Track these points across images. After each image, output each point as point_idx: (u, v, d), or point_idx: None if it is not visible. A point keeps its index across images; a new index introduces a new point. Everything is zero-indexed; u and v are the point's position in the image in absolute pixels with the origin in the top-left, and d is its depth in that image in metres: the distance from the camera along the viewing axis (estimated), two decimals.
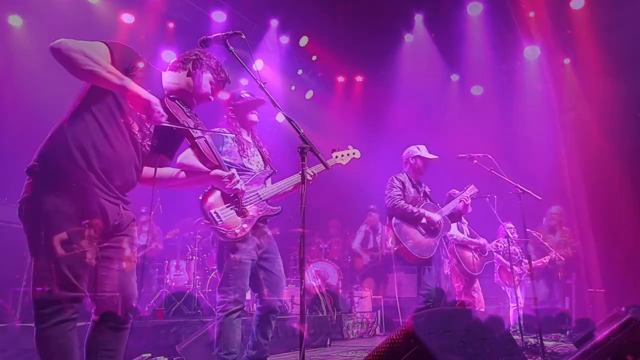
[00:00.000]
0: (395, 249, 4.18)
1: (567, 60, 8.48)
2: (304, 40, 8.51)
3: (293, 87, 9.29)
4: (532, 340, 4.77)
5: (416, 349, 1.38)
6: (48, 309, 1.88)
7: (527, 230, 4.30)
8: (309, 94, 9.37)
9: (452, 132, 8.49)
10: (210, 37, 2.43)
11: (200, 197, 2.97)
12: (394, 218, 4.22)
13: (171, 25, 7.25)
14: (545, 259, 6.43)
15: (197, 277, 6.12)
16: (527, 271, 6.30)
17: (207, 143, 2.37)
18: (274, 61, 8.60)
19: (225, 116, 3.33)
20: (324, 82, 9.63)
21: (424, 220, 4.27)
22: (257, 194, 3.08)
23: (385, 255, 8.61)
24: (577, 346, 4.11)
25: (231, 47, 2.39)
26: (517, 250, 6.33)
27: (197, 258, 6.26)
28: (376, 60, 9.02)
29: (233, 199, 2.95)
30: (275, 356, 5.31)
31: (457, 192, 6.05)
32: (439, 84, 9.21)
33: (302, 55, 8.88)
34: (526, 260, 6.28)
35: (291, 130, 2.32)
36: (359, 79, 9.80)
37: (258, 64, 8.08)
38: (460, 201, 4.47)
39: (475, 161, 4.31)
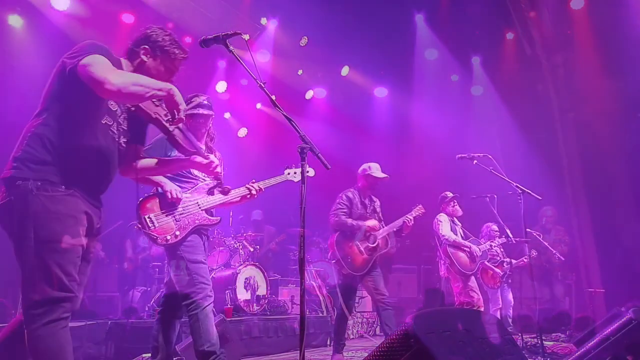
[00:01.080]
0: (334, 262, 4.49)
1: (567, 60, 8.48)
2: (304, 41, 8.50)
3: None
4: (532, 340, 4.77)
5: (416, 349, 1.38)
6: (39, 309, 1.87)
7: (528, 230, 4.30)
8: (309, 94, 9.37)
9: (453, 132, 8.49)
10: (210, 37, 2.43)
11: (138, 202, 3.00)
12: (337, 234, 4.47)
13: (170, 25, 7.24)
14: (525, 259, 6.32)
15: None
16: (509, 272, 6.30)
17: (182, 131, 2.35)
18: (274, 61, 8.59)
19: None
20: (323, 82, 9.62)
21: (360, 232, 4.47)
22: (197, 203, 3.13)
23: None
24: (577, 346, 4.11)
25: (231, 47, 2.39)
26: (499, 252, 6.35)
27: None
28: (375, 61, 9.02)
29: (170, 205, 3.02)
30: (275, 356, 5.31)
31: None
32: (439, 84, 9.21)
33: (303, 54, 8.87)
34: (507, 261, 6.29)
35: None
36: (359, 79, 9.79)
37: (265, 56, 8.10)
38: (403, 222, 4.59)
39: (475, 161, 4.31)
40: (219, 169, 2.61)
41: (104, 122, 2.11)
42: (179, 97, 2.11)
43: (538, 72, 8.47)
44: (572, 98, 8.23)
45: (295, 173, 3.43)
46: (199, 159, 2.50)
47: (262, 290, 6.18)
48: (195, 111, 3.20)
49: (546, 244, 6.65)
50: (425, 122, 8.98)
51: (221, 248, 6.53)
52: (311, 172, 3.46)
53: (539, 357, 4.07)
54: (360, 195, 4.62)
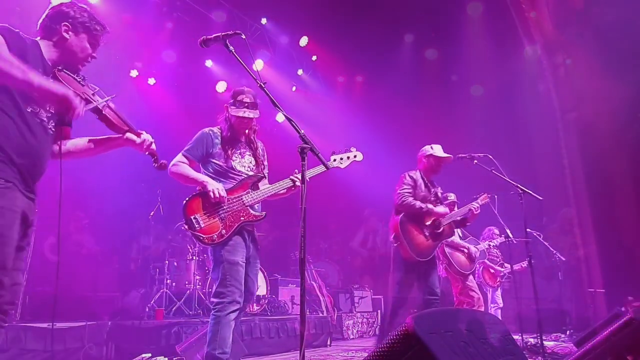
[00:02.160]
0: (395, 245, 4.12)
1: (568, 60, 8.47)
2: (304, 41, 8.51)
3: (294, 88, 9.29)
4: (532, 340, 4.78)
5: (416, 349, 1.38)
6: None
7: (527, 230, 4.29)
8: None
9: (452, 132, 8.49)
10: (210, 37, 2.43)
11: (184, 202, 2.99)
12: (401, 215, 4.14)
13: (170, 25, 7.24)
14: (523, 264, 6.33)
15: (197, 277, 6.12)
16: (508, 273, 6.32)
17: (112, 110, 2.29)
18: (273, 61, 8.60)
19: (225, 111, 3.24)
20: (324, 82, 9.63)
21: (428, 220, 4.20)
22: (242, 199, 3.07)
23: (382, 255, 8.62)
24: (577, 346, 4.11)
25: (231, 47, 2.39)
26: (498, 253, 6.36)
27: (197, 258, 6.25)
28: (376, 60, 9.02)
29: (214, 205, 2.98)
30: (275, 356, 5.31)
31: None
32: (438, 84, 9.21)
33: (302, 55, 8.88)
34: (506, 265, 6.30)
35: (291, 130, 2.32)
36: (359, 79, 9.80)
37: (258, 64, 8.06)
38: (469, 210, 4.47)
39: (475, 161, 4.30)
40: (153, 146, 2.47)
41: (29, 110, 2.04)
42: (53, 91, 1.99)
43: (538, 72, 8.47)
44: (572, 98, 8.23)
45: (342, 159, 3.32)
46: (132, 136, 2.38)
47: (262, 290, 6.18)
48: (241, 113, 3.16)
49: (546, 244, 6.65)
50: (425, 121, 8.99)
51: None
52: (359, 157, 3.42)
53: (539, 357, 4.07)
54: (422, 177, 4.36)
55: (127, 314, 5.64)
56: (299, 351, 1.96)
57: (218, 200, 2.96)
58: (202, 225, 2.94)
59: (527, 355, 3.49)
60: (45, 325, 4.07)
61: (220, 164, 3.15)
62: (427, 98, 9.06)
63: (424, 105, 9.14)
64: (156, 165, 2.48)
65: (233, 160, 3.17)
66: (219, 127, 3.24)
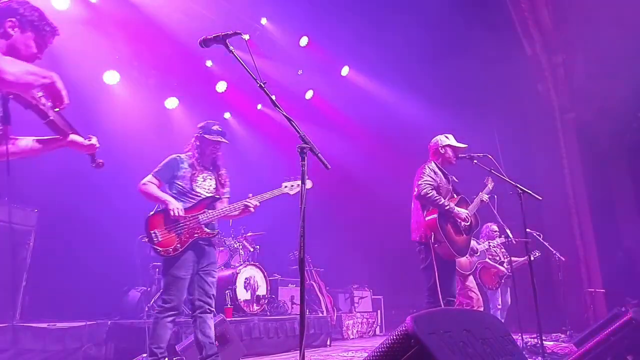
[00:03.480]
0: (436, 245, 3.88)
1: (567, 60, 8.48)
2: (304, 40, 8.51)
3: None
4: (532, 340, 4.78)
5: (416, 349, 1.38)
6: None
7: (528, 230, 4.29)
8: (309, 94, 9.37)
9: (452, 132, 8.47)
10: (210, 37, 2.43)
11: (146, 217, 3.38)
12: (437, 214, 3.92)
13: (169, 25, 7.23)
14: (526, 258, 6.35)
15: None
16: (509, 273, 6.30)
17: (58, 114, 2.28)
18: (273, 61, 8.59)
19: (193, 138, 3.68)
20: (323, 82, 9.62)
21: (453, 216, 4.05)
22: (198, 218, 3.47)
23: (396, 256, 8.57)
24: (577, 346, 4.11)
25: (231, 47, 2.39)
26: (499, 252, 6.35)
27: None
28: (377, 59, 9.01)
29: (173, 221, 3.39)
30: (274, 356, 5.31)
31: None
32: (438, 84, 9.20)
33: (302, 55, 8.87)
34: (507, 261, 6.28)
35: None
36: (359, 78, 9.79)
37: (258, 64, 8.04)
38: (481, 200, 4.44)
39: (475, 161, 4.29)
40: (97, 145, 2.55)
41: None
42: (60, 84, 2.08)
43: (538, 72, 8.47)
44: (572, 98, 8.24)
45: (292, 186, 3.61)
46: (78, 138, 2.42)
47: (262, 290, 6.18)
48: (218, 138, 3.61)
49: (546, 244, 6.65)
50: (424, 122, 8.99)
51: (221, 248, 6.52)
52: (308, 184, 3.53)
53: (539, 357, 4.07)
54: (440, 169, 4.18)
55: (126, 314, 5.64)
56: (298, 351, 1.96)
57: (176, 218, 3.36)
58: (160, 239, 3.34)
59: (527, 355, 3.50)
60: (44, 325, 4.07)
61: (184, 185, 3.54)
62: (427, 98, 9.06)
63: (424, 105, 9.14)
64: (94, 164, 2.59)
65: (195, 183, 3.57)
66: (187, 153, 3.65)
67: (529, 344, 4.70)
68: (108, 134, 4.11)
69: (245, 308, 5.84)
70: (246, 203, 3.52)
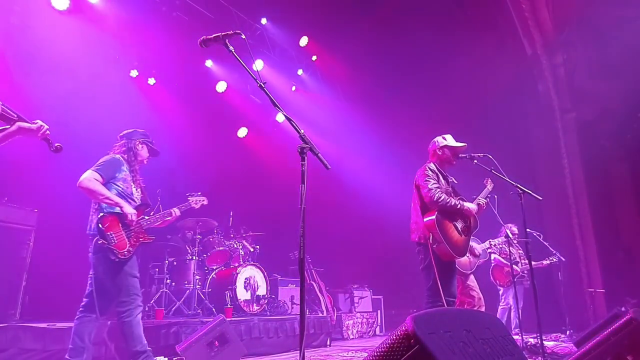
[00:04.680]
0: (434, 246, 3.83)
1: (567, 60, 8.47)
2: (304, 40, 8.51)
3: (293, 87, 9.29)
4: (532, 340, 4.77)
5: (416, 349, 1.38)
6: None
7: (528, 230, 4.29)
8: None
9: (452, 132, 8.48)
10: (210, 37, 2.43)
11: (99, 217, 3.42)
12: (435, 213, 3.88)
13: (169, 25, 7.22)
14: (544, 261, 6.50)
15: (197, 276, 6.12)
16: (521, 272, 6.33)
17: (3, 104, 2.35)
18: (273, 61, 8.60)
19: (124, 141, 3.77)
20: (324, 82, 9.62)
21: (460, 214, 4.03)
22: (141, 224, 3.63)
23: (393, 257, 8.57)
24: (577, 346, 4.11)
25: (231, 47, 2.39)
26: (515, 251, 6.36)
27: (196, 258, 6.26)
28: (376, 59, 9.01)
29: (125, 225, 3.49)
30: (274, 356, 5.31)
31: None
32: (438, 84, 9.20)
33: (302, 55, 8.88)
34: (524, 262, 6.29)
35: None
36: (358, 78, 9.80)
37: (258, 64, 8.07)
38: (478, 205, 4.43)
39: (475, 161, 4.28)
40: (47, 132, 2.60)
41: None
42: None
43: (538, 72, 8.46)
44: (572, 98, 8.23)
45: (195, 201, 4.15)
46: (24, 124, 2.48)
47: (262, 290, 6.18)
48: (154, 147, 3.85)
49: (546, 244, 6.65)
50: (424, 121, 8.99)
51: (221, 248, 6.51)
52: (205, 201, 4.23)
53: (539, 357, 4.07)
54: (439, 170, 4.14)
55: None
56: (298, 351, 1.96)
57: (129, 223, 3.49)
58: (116, 241, 3.41)
59: (527, 355, 3.49)
60: (44, 325, 4.07)
61: (124, 188, 3.60)
62: (427, 98, 9.06)
63: (424, 105, 9.14)
64: (52, 149, 2.66)
65: (134, 187, 3.69)
66: (122, 156, 3.71)
67: (529, 344, 4.69)
68: (108, 133, 4.11)
69: (245, 308, 5.84)
70: (171, 211, 3.84)
